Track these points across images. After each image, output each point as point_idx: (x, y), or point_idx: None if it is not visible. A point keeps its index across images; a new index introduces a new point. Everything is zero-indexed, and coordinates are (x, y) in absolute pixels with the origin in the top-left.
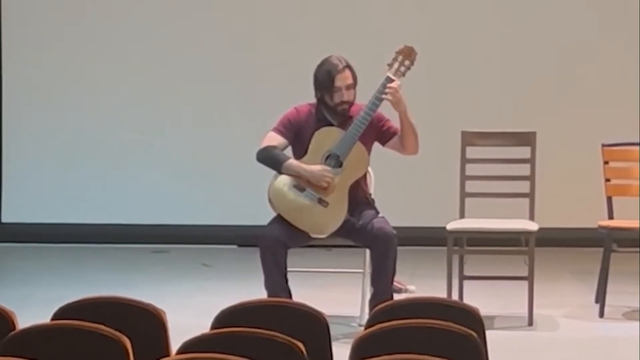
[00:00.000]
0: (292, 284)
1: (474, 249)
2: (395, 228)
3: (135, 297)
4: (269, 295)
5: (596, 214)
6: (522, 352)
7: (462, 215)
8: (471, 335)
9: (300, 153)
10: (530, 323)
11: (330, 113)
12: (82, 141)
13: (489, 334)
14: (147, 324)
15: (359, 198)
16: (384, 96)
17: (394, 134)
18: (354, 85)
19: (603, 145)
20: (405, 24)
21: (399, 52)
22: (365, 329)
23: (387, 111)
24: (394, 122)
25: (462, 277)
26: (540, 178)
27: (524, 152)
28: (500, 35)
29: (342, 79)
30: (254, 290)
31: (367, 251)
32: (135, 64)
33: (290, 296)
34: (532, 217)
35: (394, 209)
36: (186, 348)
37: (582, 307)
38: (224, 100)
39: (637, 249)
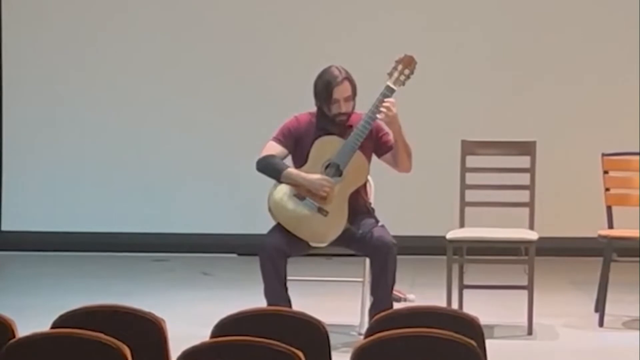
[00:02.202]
0: (291, 293)
1: (474, 258)
2: (395, 237)
3: (135, 305)
4: (269, 304)
5: (596, 223)
6: None
7: (461, 225)
8: (471, 345)
9: (300, 162)
10: (530, 332)
11: (328, 123)
12: (83, 149)
13: (488, 343)
14: (147, 333)
15: (359, 207)
16: (377, 115)
17: (390, 148)
18: (352, 97)
19: (603, 155)
20: (406, 33)
21: (398, 61)
22: (365, 338)
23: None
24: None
25: (462, 286)
26: (540, 187)
27: (524, 161)
28: (501, 44)
29: (340, 92)
30: (254, 299)
31: (367, 260)
32: (137, 71)
33: (290, 305)
34: (531, 227)
35: (393, 218)
36: (186, 357)
37: (582, 316)
38: (225, 109)
39: (637, 259)
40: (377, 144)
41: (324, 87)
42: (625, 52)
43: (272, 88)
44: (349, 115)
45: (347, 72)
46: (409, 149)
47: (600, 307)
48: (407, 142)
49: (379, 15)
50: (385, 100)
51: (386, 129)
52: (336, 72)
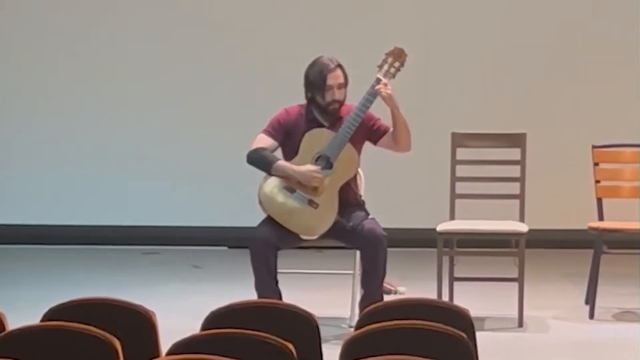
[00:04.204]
0: (282, 286)
1: (464, 250)
2: (385, 229)
3: (125, 298)
4: (259, 297)
5: (586, 215)
6: (513, 354)
7: (452, 217)
8: (461, 337)
9: (290, 154)
10: (521, 324)
11: (321, 113)
12: (72, 143)
13: (479, 335)
14: (137, 325)
15: (349, 199)
16: (375, 90)
17: (385, 132)
18: (345, 84)
19: (593, 147)
20: (396, 26)
21: (388, 54)
22: (355, 330)
23: (377, 110)
24: (384, 121)
25: (453, 279)
26: (531, 179)
27: (514, 153)
28: (491, 37)
29: (334, 78)
30: (244, 292)
31: (358, 252)
32: (128, 66)
33: (280, 297)
34: (522, 219)
35: (384, 211)
36: (176, 349)
37: (572, 308)
38: (214, 103)
39: (627, 251)
40: (370, 132)
41: (318, 74)
42: (617, 45)
43: (264, 83)
44: (341, 103)
45: (337, 61)
46: (408, 126)
47: (590, 299)
48: (405, 120)
49: (369, 8)
50: (381, 82)
51: (377, 116)
52: (327, 61)
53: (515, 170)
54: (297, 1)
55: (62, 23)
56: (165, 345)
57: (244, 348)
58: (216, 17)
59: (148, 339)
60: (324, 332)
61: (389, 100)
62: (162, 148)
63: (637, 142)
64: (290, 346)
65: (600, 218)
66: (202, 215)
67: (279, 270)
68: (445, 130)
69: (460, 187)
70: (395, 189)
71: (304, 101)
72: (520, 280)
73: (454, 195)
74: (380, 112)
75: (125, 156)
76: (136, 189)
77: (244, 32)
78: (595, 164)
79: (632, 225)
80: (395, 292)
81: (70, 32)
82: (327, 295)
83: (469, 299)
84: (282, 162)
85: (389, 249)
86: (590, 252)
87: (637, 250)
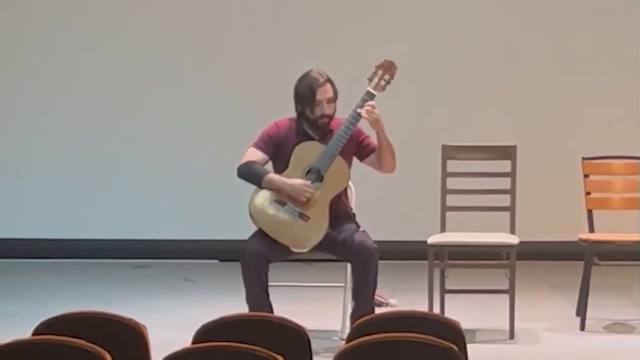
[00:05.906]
0: (273, 298)
1: (455, 262)
2: (376, 242)
3: (116, 312)
4: (251, 310)
5: (577, 227)
6: None
7: (443, 229)
8: (452, 349)
9: (281, 167)
10: (512, 336)
11: (310, 127)
12: (63, 156)
13: (470, 347)
14: (129, 339)
15: (340, 212)
16: (362, 113)
17: (372, 150)
18: (334, 99)
19: (583, 159)
20: (386, 39)
21: (378, 67)
22: (347, 343)
23: (366, 127)
24: (373, 138)
25: (444, 291)
26: (521, 191)
27: (504, 165)
28: (481, 49)
29: (323, 93)
30: (236, 305)
31: (349, 265)
32: (119, 78)
33: (271, 310)
34: (512, 231)
35: (375, 223)
36: None
37: (563, 320)
38: (205, 116)
39: (618, 262)
40: (358, 147)
41: (307, 89)
42: (609, 58)
43: (255, 96)
44: (331, 117)
45: (327, 75)
46: (393, 149)
47: (581, 310)
48: (391, 142)
49: (359, 21)
50: (366, 104)
51: (366, 132)
52: (317, 75)
53: (505, 183)
54: (295, 13)
55: (65, 27)
56: (156, 358)
57: None
58: (210, 29)
59: (139, 352)
60: (315, 344)
61: (375, 123)
62: (152, 162)
63: (627, 154)
64: (282, 359)
65: (591, 230)
66: (192, 228)
67: (270, 283)
68: (436, 143)
69: (451, 200)
70: (386, 201)
71: (294, 114)
72: (511, 292)
73: (444, 208)
74: (369, 130)
75: (115, 169)
76: (127, 202)
77: (233, 47)
78: (586, 176)
79: (623, 236)
80: (387, 305)
81: (73, 39)
82: (318, 308)
83: (460, 311)
84: (272, 175)
85: (380, 262)
86: (581, 263)
87: (628, 262)
